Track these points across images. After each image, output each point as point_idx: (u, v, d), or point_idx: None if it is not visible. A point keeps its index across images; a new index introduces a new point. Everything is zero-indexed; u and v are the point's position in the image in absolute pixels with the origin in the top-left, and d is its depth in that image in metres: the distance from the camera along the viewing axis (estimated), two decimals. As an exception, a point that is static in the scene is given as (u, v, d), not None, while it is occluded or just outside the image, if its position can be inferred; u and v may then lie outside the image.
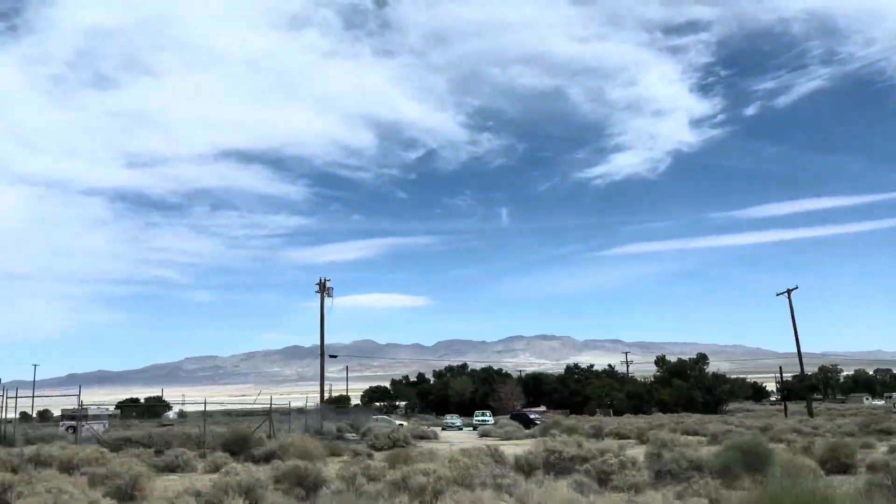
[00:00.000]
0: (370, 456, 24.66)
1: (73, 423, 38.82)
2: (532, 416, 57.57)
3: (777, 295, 64.56)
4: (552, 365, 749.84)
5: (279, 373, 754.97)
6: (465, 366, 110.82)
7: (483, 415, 64.73)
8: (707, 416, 58.81)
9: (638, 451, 19.46)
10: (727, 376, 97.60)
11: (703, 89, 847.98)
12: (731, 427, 33.09)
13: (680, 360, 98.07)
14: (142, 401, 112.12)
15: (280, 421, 37.68)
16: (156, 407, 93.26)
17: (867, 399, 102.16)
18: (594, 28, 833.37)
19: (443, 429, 56.66)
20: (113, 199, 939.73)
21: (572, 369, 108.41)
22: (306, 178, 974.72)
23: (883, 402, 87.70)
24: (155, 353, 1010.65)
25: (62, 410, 50.65)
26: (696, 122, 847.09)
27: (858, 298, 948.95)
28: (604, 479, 14.31)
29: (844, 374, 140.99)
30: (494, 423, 55.01)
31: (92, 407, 53.34)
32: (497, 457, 17.11)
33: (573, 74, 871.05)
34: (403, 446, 28.22)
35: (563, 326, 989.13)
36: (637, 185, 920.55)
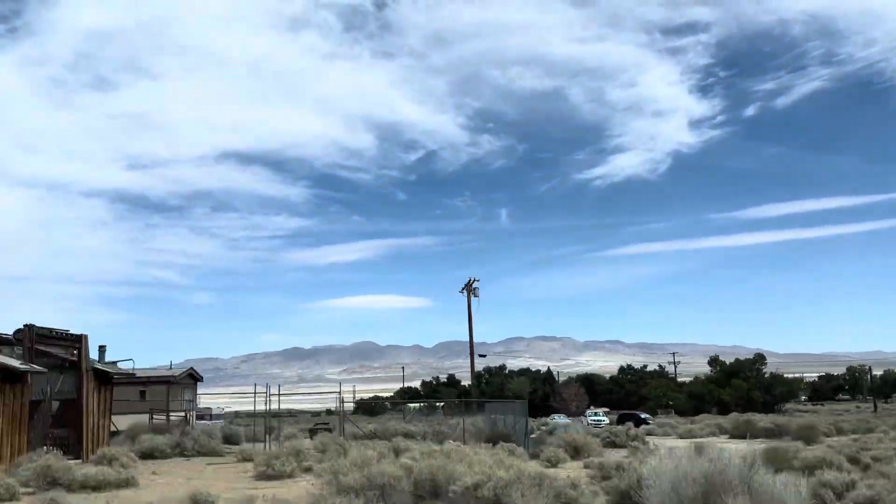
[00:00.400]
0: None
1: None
2: (643, 416, 58.41)
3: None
4: (553, 366, 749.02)
5: (279, 374, 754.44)
6: (526, 368, 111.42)
7: (596, 414, 64.17)
8: (812, 416, 60.14)
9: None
10: (784, 376, 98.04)
11: (703, 90, 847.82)
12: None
13: (737, 361, 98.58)
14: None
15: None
16: None
17: None
18: (594, 29, 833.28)
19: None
20: (113, 200, 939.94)
21: (625, 370, 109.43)
22: (306, 179, 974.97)
23: None
24: (155, 354, 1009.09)
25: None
26: (696, 123, 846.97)
27: (858, 299, 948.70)
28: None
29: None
30: (609, 424, 54.04)
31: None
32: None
33: (573, 75, 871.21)
34: (643, 444, 28.18)
35: (564, 327, 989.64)
36: (637, 185, 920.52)
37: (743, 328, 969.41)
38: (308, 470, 18.82)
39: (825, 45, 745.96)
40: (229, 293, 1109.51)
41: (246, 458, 22.76)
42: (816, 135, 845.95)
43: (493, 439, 24.90)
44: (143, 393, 40.60)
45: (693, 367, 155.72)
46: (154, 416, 36.60)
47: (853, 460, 17.55)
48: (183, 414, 41.16)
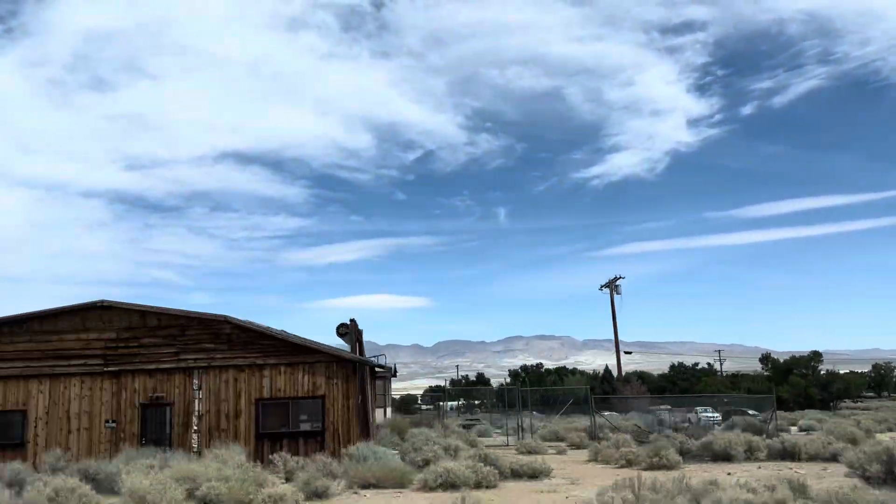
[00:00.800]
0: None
1: None
2: (752, 413, 57.24)
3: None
4: (552, 365, 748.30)
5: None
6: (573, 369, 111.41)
7: (706, 410, 63.85)
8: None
9: None
10: (840, 372, 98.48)
11: (701, 89, 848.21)
12: None
13: (793, 358, 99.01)
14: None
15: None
16: None
17: None
18: (592, 29, 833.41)
19: None
20: (112, 201, 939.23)
21: (677, 367, 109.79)
22: (305, 179, 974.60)
23: None
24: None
25: None
26: (694, 122, 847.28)
27: (855, 296, 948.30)
28: None
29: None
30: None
31: None
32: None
33: (571, 75, 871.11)
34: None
35: (563, 326, 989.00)
36: (635, 185, 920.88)
37: (742, 326, 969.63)
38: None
39: (822, 44, 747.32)
40: (228, 293, 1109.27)
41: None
42: (814, 133, 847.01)
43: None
44: None
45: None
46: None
47: None
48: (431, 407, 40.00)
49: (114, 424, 20.55)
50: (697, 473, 16.17)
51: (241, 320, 21.05)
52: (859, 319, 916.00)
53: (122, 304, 21.17)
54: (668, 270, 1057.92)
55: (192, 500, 12.50)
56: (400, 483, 15.30)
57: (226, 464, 15.01)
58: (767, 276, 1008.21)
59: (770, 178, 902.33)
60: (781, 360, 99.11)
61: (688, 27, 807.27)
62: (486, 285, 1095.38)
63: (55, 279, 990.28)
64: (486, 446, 23.07)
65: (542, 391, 60.99)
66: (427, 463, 17.37)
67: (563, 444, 26.96)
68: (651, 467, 17.82)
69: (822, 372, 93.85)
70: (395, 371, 38.60)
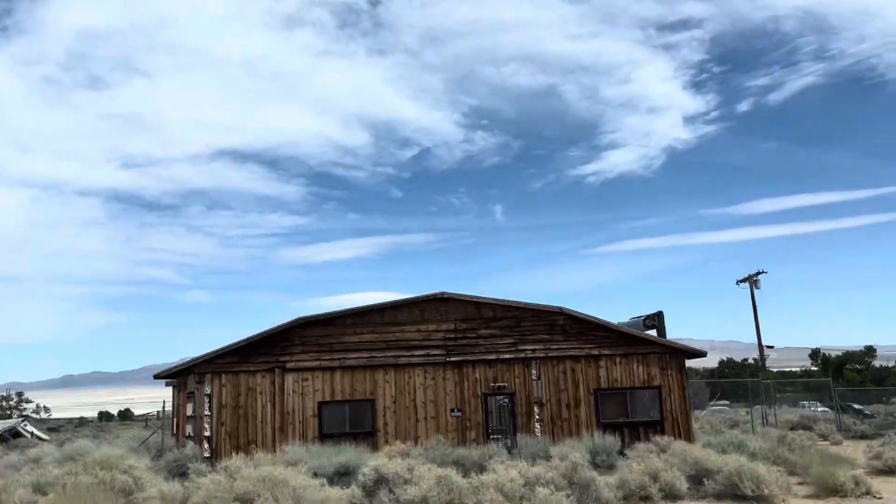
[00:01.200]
0: None
1: None
2: (858, 408, 52.66)
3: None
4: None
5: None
6: None
7: (814, 405, 58.38)
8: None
9: None
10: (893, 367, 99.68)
11: (697, 86, 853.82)
12: None
13: (847, 353, 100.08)
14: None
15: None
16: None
17: None
18: (589, 26, 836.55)
19: None
20: (108, 199, 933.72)
21: (725, 363, 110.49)
22: (301, 177, 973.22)
23: None
24: (151, 353, 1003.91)
25: None
26: (690, 119, 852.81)
27: (851, 292, 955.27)
28: None
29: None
30: None
31: None
32: None
33: (568, 72, 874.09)
34: None
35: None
36: (631, 182, 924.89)
37: (738, 323, 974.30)
38: None
39: (818, 41, 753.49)
40: (225, 291, 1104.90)
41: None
42: (809, 130, 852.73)
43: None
44: None
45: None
46: None
47: None
48: None
49: (459, 413, 21.27)
50: None
51: (575, 311, 21.79)
52: (855, 315, 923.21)
53: (460, 295, 21.89)
54: (664, 267, 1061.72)
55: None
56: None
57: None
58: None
59: (766, 174, 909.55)
60: (832, 356, 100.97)
61: (684, 24, 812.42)
62: (483, 282, 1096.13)
63: (51, 278, 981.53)
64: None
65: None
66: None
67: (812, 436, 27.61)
68: None
69: (875, 367, 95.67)
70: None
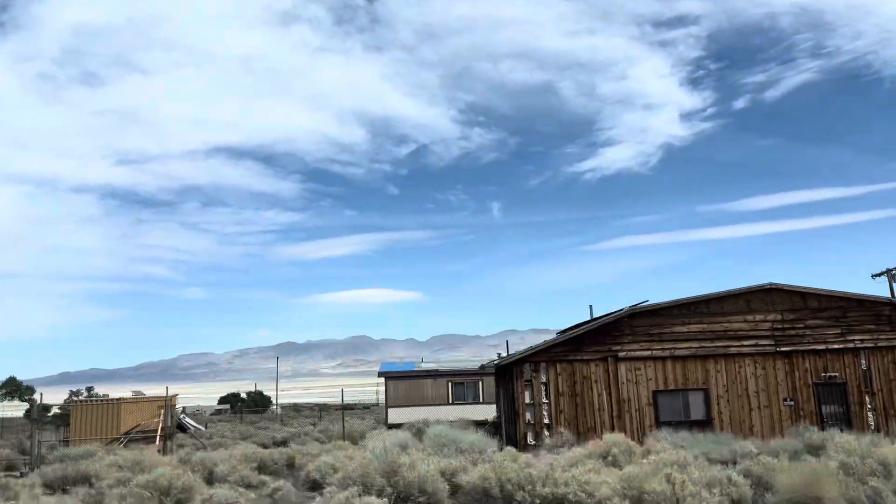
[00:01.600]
0: None
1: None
2: None
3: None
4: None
5: (274, 369, 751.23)
6: None
7: None
8: None
9: None
10: None
11: (694, 83, 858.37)
12: None
13: None
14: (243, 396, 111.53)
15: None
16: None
17: None
18: (585, 23, 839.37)
19: None
20: (103, 196, 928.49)
21: None
22: (298, 173, 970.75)
23: None
24: (148, 350, 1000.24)
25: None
26: (687, 116, 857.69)
27: (849, 289, 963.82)
28: None
29: None
30: None
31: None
32: None
33: (564, 69, 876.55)
34: None
35: (557, 320, 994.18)
36: (628, 178, 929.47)
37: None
38: None
39: (814, 38, 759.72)
40: (221, 288, 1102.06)
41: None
42: (806, 127, 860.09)
43: None
44: None
45: None
46: None
47: None
48: None
49: (791, 403, 21.30)
50: None
51: (902, 302, 21.86)
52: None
53: (786, 286, 21.90)
54: (661, 263, 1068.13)
55: None
56: None
57: None
58: (760, 268, 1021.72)
59: (762, 171, 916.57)
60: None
61: (681, 21, 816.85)
62: (480, 279, 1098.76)
63: (47, 275, 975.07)
64: None
65: None
66: None
67: None
68: None
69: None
70: None
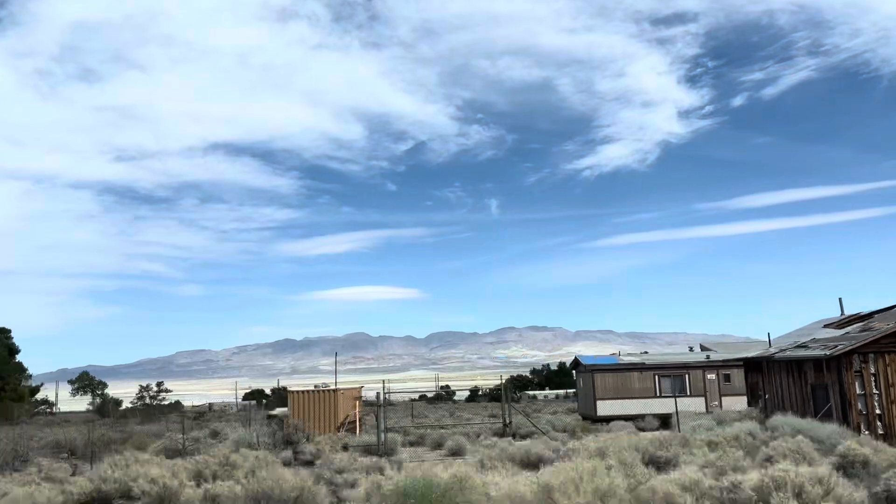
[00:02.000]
0: None
1: None
2: None
3: None
4: (545, 356, 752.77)
5: (272, 366, 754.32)
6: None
7: None
8: None
9: None
10: None
11: (691, 80, 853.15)
12: None
13: None
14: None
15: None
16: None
17: None
18: (583, 20, 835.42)
19: None
20: (101, 192, 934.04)
21: None
22: (296, 170, 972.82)
23: None
24: (146, 347, 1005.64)
25: None
26: (685, 114, 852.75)
27: (846, 287, 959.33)
28: None
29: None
30: None
31: None
32: None
33: (562, 66, 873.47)
34: None
35: (555, 317, 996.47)
36: (626, 176, 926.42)
37: (732, 317, 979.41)
38: None
39: (812, 36, 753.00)
40: (218, 285, 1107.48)
41: None
42: (804, 125, 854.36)
43: None
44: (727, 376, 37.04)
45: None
46: None
47: None
48: None
49: None
50: None
51: None
52: (850, 310, 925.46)
53: None
54: (659, 261, 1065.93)
55: None
56: None
57: None
58: (757, 266, 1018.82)
59: (760, 169, 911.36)
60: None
61: (679, 18, 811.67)
62: (478, 277, 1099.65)
63: (44, 272, 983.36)
64: None
65: None
66: None
67: None
68: None
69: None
70: None
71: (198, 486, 13.41)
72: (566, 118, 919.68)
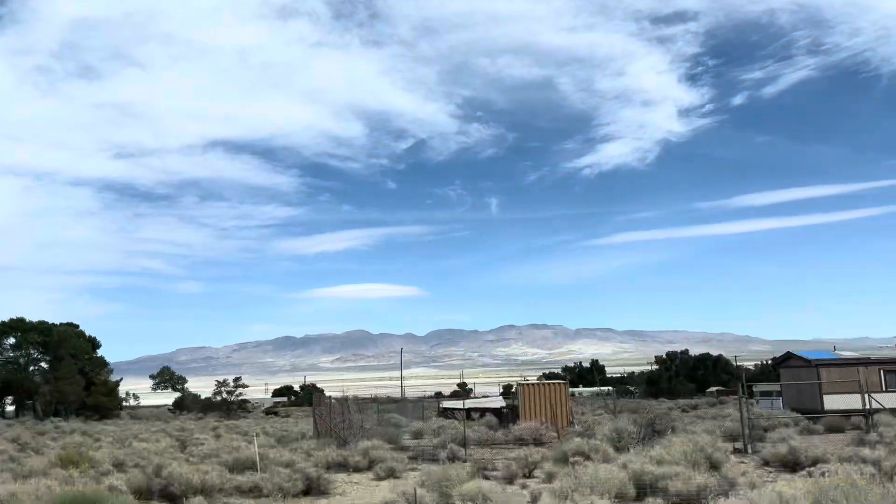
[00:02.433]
0: None
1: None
2: None
3: None
4: (546, 354, 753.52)
5: (273, 363, 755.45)
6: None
7: None
8: None
9: None
10: None
11: (692, 79, 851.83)
12: None
13: None
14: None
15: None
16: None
17: None
18: (583, 18, 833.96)
19: None
20: (100, 189, 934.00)
21: None
22: (296, 168, 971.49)
23: None
24: (146, 344, 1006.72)
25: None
26: (685, 112, 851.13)
27: (845, 286, 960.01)
28: None
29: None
30: None
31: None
32: None
33: (562, 65, 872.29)
34: None
35: (555, 315, 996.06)
36: (626, 174, 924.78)
37: (732, 315, 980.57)
38: None
39: (812, 35, 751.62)
40: (218, 283, 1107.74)
41: None
42: (804, 124, 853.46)
43: None
44: None
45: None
46: None
47: None
48: None
49: None
50: None
51: None
52: (849, 308, 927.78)
53: None
54: (659, 260, 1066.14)
55: None
56: None
57: None
58: (757, 265, 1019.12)
59: (760, 168, 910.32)
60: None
61: (679, 17, 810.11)
62: (478, 275, 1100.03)
63: (43, 269, 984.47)
64: None
65: None
66: None
67: None
68: None
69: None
70: None
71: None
72: (566, 117, 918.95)
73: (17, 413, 67.83)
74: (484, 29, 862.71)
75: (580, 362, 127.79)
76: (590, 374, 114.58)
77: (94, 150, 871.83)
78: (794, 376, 40.17)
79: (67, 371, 64.98)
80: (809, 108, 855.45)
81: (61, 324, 72.39)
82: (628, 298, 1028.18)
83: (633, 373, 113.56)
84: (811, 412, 34.95)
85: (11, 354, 69.86)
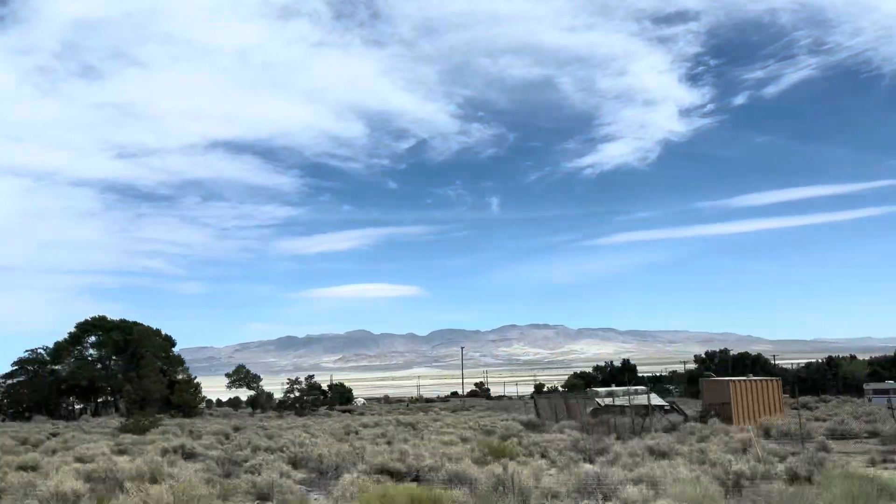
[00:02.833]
0: None
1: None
2: None
3: None
4: (548, 354, 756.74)
5: (275, 363, 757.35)
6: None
7: None
8: None
9: None
10: None
11: (693, 79, 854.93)
12: None
13: None
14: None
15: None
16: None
17: None
18: (583, 18, 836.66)
19: None
20: (102, 190, 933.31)
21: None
22: (297, 168, 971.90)
23: None
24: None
25: None
26: (686, 112, 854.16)
27: (846, 286, 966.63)
28: None
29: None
30: None
31: None
32: None
33: (563, 64, 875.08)
34: None
35: (557, 315, 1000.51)
36: (627, 174, 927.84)
37: (733, 315, 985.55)
38: None
39: (813, 34, 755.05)
40: (220, 283, 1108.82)
41: None
42: (805, 123, 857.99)
43: None
44: None
45: (688, 354, 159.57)
46: None
47: None
48: None
49: None
50: None
51: None
52: (850, 308, 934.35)
53: None
54: (660, 260, 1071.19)
55: None
56: None
57: None
58: (759, 265, 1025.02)
59: (761, 168, 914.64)
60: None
61: (680, 17, 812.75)
62: (480, 275, 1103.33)
63: (44, 269, 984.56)
64: None
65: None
66: None
67: None
68: None
69: None
70: None
71: None
72: (567, 116, 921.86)
73: (96, 412, 70.68)
74: (484, 29, 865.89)
75: (611, 361, 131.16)
76: (621, 373, 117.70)
77: (95, 150, 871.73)
78: None
79: (150, 369, 67.83)
80: (810, 108, 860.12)
81: (135, 322, 75.43)
82: (630, 298, 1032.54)
83: (674, 371, 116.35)
84: None
85: (93, 353, 72.82)
